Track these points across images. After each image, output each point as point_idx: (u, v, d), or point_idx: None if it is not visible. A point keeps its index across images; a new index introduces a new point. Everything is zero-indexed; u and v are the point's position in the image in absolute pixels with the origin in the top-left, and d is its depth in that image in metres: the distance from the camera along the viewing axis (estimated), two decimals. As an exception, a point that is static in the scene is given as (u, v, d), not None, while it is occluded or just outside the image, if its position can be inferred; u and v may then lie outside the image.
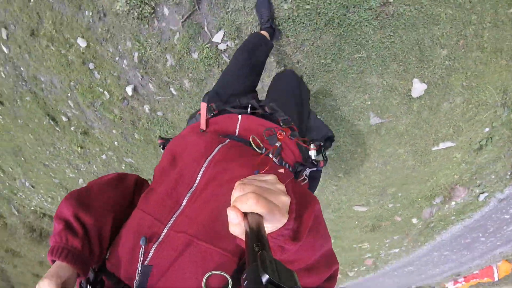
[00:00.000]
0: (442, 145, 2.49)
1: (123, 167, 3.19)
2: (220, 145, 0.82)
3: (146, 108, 2.59)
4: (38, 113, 2.97)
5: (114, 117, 2.73)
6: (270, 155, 0.86)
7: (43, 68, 2.62)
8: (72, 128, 3.00)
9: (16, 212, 4.84)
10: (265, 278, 0.29)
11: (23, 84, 2.83)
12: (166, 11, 2.04)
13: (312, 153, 1.00)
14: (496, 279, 5.25)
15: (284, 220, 0.45)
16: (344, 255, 4.75)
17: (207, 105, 1.04)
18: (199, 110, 1.05)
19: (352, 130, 2.42)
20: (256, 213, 0.41)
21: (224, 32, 2.03)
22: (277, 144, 0.90)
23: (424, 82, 2.08)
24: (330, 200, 3.28)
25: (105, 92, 2.58)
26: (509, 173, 2.91)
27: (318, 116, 1.72)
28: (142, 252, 0.60)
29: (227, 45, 2.07)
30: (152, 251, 0.61)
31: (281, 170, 0.83)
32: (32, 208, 4.69)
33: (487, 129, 2.44)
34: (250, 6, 1.92)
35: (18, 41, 2.52)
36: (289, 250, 0.50)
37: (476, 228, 3.99)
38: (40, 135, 3.22)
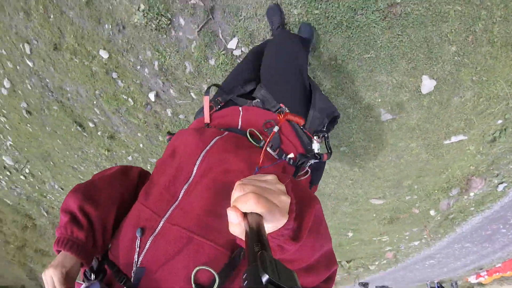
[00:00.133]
0: (454, 139, 2.52)
1: (149, 167, 3.34)
2: (217, 137, 0.82)
3: (169, 112, 2.70)
4: (66, 120, 3.11)
5: (138, 121, 2.86)
6: (269, 149, 0.86)
7: (68, 79, 2.74)
8: (99, 133, 3.14)
9: (45, 214, 4.97)
10: (265, 278, 0.29)
11: (50, 94, 2.95)
12: (182, 21, 2.15)
13: (316, 146, 0.98)
14: (519, 272, 5.16)
15: (284, 220, 0.45)
16: (364, 247, 4.72)
17: (214, 100, 1.07)
18: None
19: (365, 127, 2.48)
20: (256, 213, 0.41)
21: (238, 39, 2.13)
22: (275, 130, 0.90)
23: (434, 79, 2.11)
24: (346, 194, 3.32)
25: (129, 99, 2.71)
26: (526, 163, 2.90)
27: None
28: (138, 243, 0.62)
29: (241, 51, 2.17)
30: (148, 243, 0.63)
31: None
32: (60, 209, 4.91)
33: (500, 121, 2.45)
34: (261, 13, 2.00)
35: (42, 55, 2.63)
36: (289, 250, 0.50)
37: (496, 219, 3.96)
38: (68, 141, 3.37)
